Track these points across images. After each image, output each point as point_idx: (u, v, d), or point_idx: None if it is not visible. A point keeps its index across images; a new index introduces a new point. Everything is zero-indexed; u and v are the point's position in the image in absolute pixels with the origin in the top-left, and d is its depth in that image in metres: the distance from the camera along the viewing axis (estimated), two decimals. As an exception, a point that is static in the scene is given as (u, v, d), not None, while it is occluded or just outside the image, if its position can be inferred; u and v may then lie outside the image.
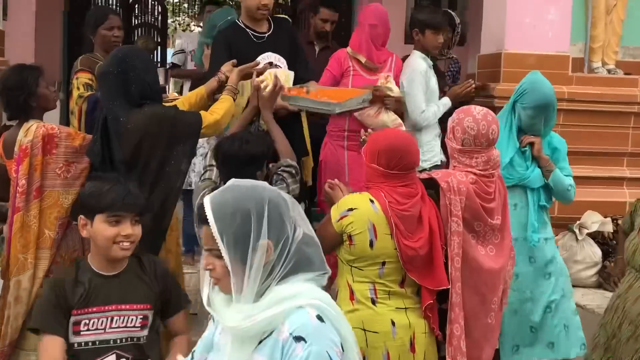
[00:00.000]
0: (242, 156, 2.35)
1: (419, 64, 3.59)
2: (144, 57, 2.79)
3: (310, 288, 1.38)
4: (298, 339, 1.31)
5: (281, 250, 1.33)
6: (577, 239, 3.93)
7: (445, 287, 2.26)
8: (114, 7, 8.27)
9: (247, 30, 3.23)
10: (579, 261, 3.89)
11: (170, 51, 7.28)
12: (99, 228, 1.99)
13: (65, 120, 4.57)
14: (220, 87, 2.91)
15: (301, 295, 1.36)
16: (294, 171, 2.55)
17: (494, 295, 2.43)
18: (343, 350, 1.38)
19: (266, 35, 3.26)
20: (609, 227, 4.02)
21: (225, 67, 2.96)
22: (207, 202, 1.35)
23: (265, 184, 1.45)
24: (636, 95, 4.29)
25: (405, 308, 2.18)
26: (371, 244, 2.23)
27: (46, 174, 2.40)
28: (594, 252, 3.94)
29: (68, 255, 2.52)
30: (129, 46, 3.69)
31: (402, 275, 2.27)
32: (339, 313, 1.42)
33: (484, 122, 2.40)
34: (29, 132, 2.40)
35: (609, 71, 4.53)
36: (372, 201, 2.24)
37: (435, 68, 3.87)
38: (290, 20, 4.86)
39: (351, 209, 2.25)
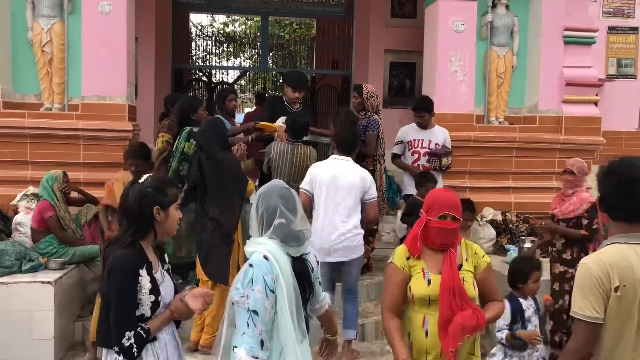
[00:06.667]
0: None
1: None
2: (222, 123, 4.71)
3: (269, 242, 2.10)
4: (250, 265, 2.07)
5: (266, 221, 2.11)
6: (479, 224, 5.52)
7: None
8: (202, 90, 11.64)
9: (286, 104, 5.33)
10: (481, 238, 5.42)
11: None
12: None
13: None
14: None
15: (262, 245, 2.10)
16: None
17: None
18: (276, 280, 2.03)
19: (295, 109, 5.30)
20: (498, 217, 5.65)
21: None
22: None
23: (281, 183, 2.22)
24: (515, 137, 6.06)
25: None
26: None
27: None
28: (490, 232, 5.52)
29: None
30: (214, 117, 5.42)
31: None
32: (282, 258, 2.08)
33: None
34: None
35: (499, 122, 6.24)
36: None
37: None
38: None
39: None
